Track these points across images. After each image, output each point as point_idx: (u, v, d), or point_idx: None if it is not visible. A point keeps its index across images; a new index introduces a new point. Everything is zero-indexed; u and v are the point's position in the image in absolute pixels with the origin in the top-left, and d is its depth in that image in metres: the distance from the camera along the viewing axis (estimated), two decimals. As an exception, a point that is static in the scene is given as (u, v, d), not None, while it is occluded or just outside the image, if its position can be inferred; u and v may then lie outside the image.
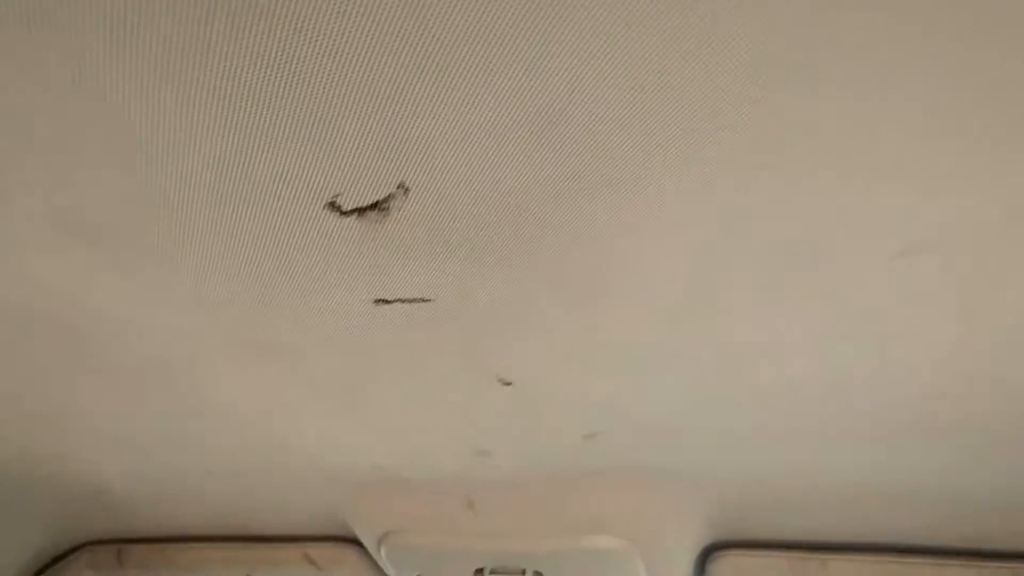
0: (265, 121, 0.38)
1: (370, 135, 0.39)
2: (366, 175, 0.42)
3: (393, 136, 0.39)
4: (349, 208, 0.44)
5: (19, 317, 0.61)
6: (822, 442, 0.78)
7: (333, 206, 0.44)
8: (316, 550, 1.21)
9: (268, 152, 0.40)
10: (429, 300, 0.54)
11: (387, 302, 0.54)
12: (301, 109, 0.37)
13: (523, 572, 1.06)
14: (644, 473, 0.89)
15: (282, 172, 0.42)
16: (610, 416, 0.74)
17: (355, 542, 1.18)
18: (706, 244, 0.48)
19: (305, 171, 0.41)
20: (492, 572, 1.07)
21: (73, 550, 1.31)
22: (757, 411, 0.72)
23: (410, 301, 0.54)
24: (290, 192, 0.43)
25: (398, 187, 0.42)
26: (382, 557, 1.11)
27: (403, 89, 0.36)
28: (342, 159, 0.41)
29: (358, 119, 0.38)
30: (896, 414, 0.70)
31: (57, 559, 1.31)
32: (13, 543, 1.23)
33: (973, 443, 0.74)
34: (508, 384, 0.68)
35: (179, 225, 0.47)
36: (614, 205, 0.44)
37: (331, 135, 0.39)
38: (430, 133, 0.38)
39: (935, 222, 0.44)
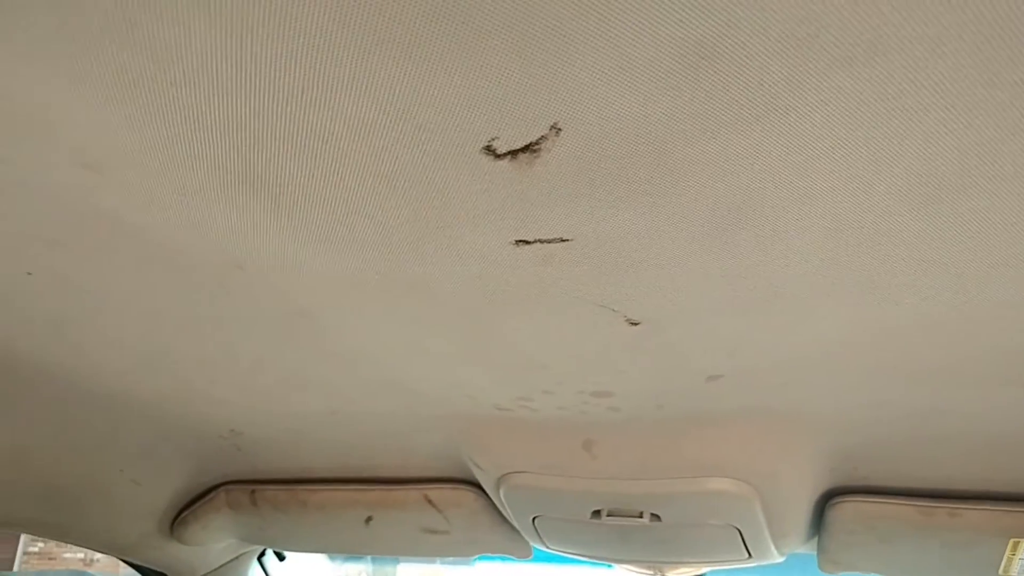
0: (429, 67, 0.40)
1: (528, 78, 0.40)
2: (523, 118, 0.43)
3: (550, 77, 0.39)
4: (503, 151, 0.45)
5: (177, 261, 0.65)
6: (955, 383, 0.75)
7: (489, 150, 0.45)
8: (436, 492, 1.27)
9: (430, 97, 0.42)
10: (567, 240, 0.55)
11: (527, 243, 0.55)
12: (464, 53, 0.39)
13: (640, 514, 1.08)
14: (766, 415, 0.88)
15: (444, 118, 0.43)
16: (735, 357, 0.74)
17: (474, 484, 1.22)
18: (851, 176, 0.47)
19: (466, 116, 0.43)
20: (609, 514, 1.09)
21: (212, 489, 1.41)
22: (890, 350, 0.70)
23: (549, 242, 0.55)
24: (450, 137, 0.45)
25: (551, 128, 0.43)
26: (500, 499, 1.14)
27: (560, 29, 0.37)
28: (501, 103, 0.42)
29: (517, 62, 0.39)
30: None
31: (198, 498, 1.42)
32: (157, 483, 1.34)
33: None
34: (635, 324, 0.68)
35: (339, 169, 0.49)
36: (760, 138, 0.44)
37: (490, 80, 0.40)
38: (586, 72, 0.39)
39: None
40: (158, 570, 1.57)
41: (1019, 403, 0.78)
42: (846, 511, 1.07)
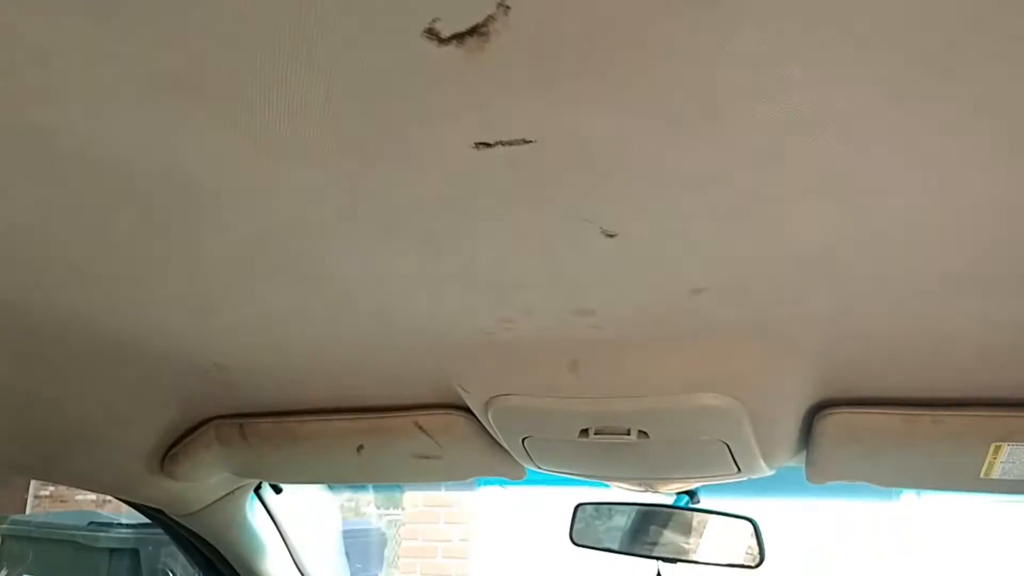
0: None
1: None
2: None
3: None
4: (448, 35, 0.41)
5: (127, 183, 0.62)
6: (942, 290, 0.74)
7: (431, 33, 0.41)
8: (426, 419, 1.26)
9: None
10: (531, 141, 0.51)
11: (488, 145, 0.52)
12: None
13: (628, 432, 1.07)
14: (752, 329, 0.87)
15: None
16: (718, 269, 0.72)
17: (464, 409, 1.21)
18: (831, 62, 0.43)
19: None
20: (597, 432, 1.09)
21: (202, 424, 1.41)
22: (875, 257, 0.68)
23: (511, 143, 0.51)
24: (388, 20, 0.41)
25: (498, 6, 0.39)
26: (489, 422, 1.14)
27: None
28: None
29: None
30: (1017, 255, 0.65)
31: (187, 434, 1.41)
32: (143, 421, 1.33)
33: None
34: (612, 236, 0.66)
35: (271, 64, 0.45)
36: (730, 15, 0.40)
37: None
38: None
39: None
40: (154, 507, 1.58)
41: (1004, 310, 0.77)
42: (833, 423, 1.07)
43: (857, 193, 0.58)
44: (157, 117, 0.52)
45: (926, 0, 0.39)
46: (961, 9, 0.39)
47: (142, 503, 1.57)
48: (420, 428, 1.27)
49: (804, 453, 1.19)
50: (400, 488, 5.89)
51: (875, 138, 0.51)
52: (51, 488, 8.61)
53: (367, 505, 6.53)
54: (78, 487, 1.57)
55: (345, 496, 6.11)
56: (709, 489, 1.51)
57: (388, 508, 6.47)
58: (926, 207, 0.60)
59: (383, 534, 6.15)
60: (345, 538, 5.06)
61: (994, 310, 0.77)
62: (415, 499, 6.09)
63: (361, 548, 5.35)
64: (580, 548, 1.66)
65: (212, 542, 1.72)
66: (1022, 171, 0.53)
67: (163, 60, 0.46)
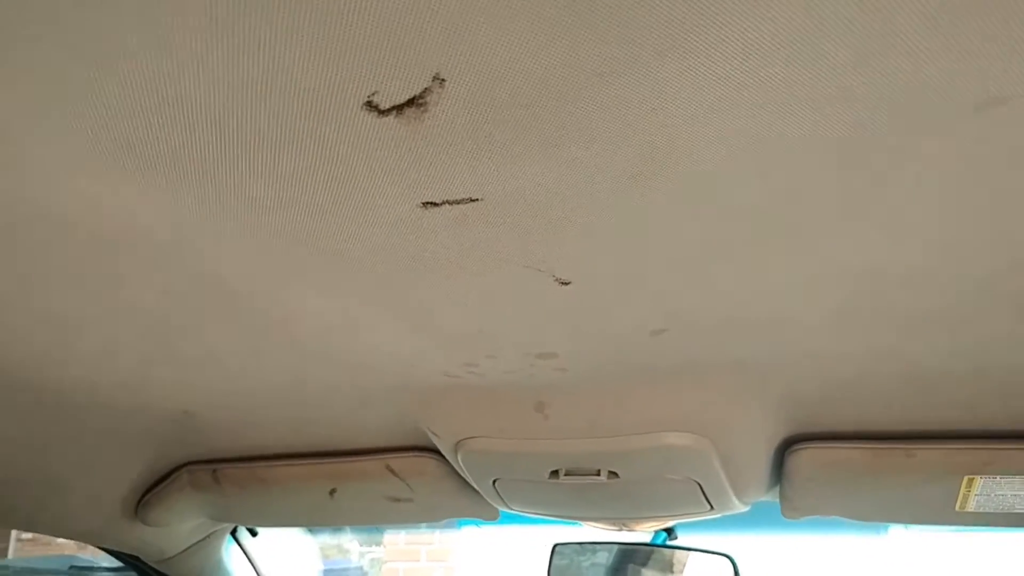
0: (294, 23, 0.37)
1: (399, 27, 0.37)
2: (401, 69, 0.40)
3: (421, 25, 0.37)
4: (387, 106, 0.43)
5: (80, 239, 0.63)
6: (904, 327, 0.75)
7: (371, 105, 0.43)
8: (397, 461, 1.26)
9: (301, 54, 0.40)
10: (477, 200, 0.53)
11: (435, 204, 0.53)
12: (326, 5, 0.36)
13: (598, 472, 1.08)
14: (716, 368, 0.88)
15: (317, 73, 0.41)
16: (676, 312, 0.73)
17: (435, 451, 1.21)
18: (769, 116, 0.45)
19: (338, 72, 0.41)
20: (567, 473, 1.09)
21: (175, 470, 1.40)
22: (829, 301, 0.69)
23: (458, 202, 0.53)
24: (327, 94, 0.42)
25: (434, 79, 0.41)
26: (459, 464, 1.14)
27: None
28: (372, 56, 0.39)
29: (384, 11, 0.36)
30: (982, 291, 0.66)
31: (160, 480, 1.41)
32: (116, 469, 1.32)
33: None
34: (566, 284, 0.67)
35: (220, 138, 0.47)
36: (663, 78, 0.42)
37: (356, 31, 0.38)
38: (459, 18, 0.37)
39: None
40: (130, 553, 1.57)
41: (967, 345, 0.78)
42: (803, 458, 1.07)
43: (805, 243, 0.59)
44: (108, 180, 0.54)
45: (849, 61, 0.41)
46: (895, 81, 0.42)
47: (118, 549, 1.55)
48: (391, 471, 1.27)
49: (778, 488, 1.19)
50: (381, 529, 5.81)
51: (819, 190, 0.52)
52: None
53: (350, 543, 6.43)
54: (54, 535, 1.55)
55: (327, 535, 6.03)
56: (690, 525, 1.50)
57: (371, 546, 6.38)
58: (873, 255, 0.61)
59: (365, 573, 6.05)
60: (329, 577, 4.98)
61: (961, 345, 0.78)
62: (396, 537, 6.00)
63: (344, 587, 5.25)
64: (558, 588, 1.65)
65: (189, 587, 1.70)
66: (985, 207, 0.54)
67: (111, 130, 0.48)
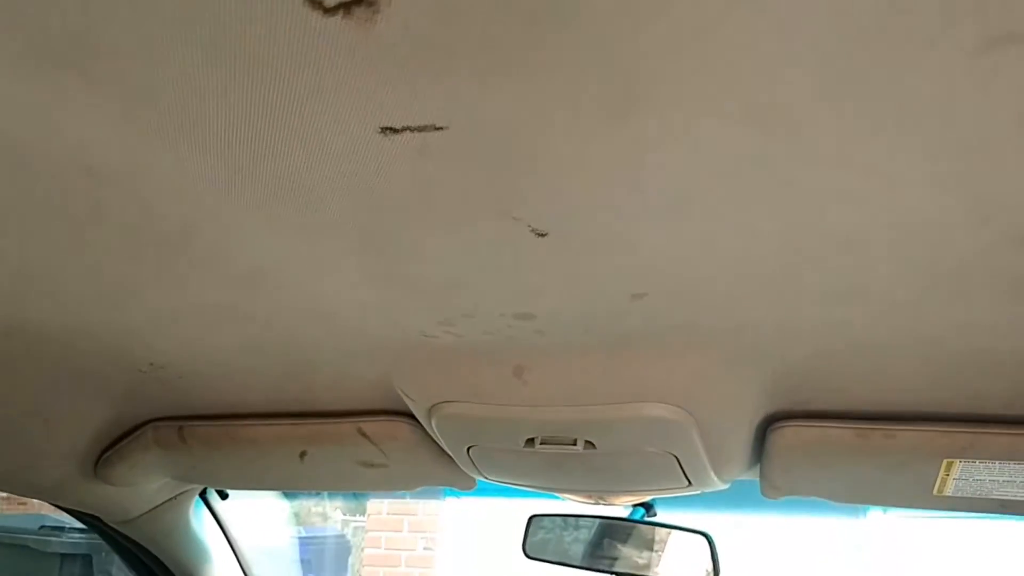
0: None
1: None
2: None
3: None
4: (333, 3, 0.38)
5: (22, 163, 0.58)
6: (890, 301, 0.71)
7: (313, 2, 0.38)
8: (370, 425, 1.22)
9: None
10: (441, 128, 0.48)
11: (395, 131, 0.48)
12: None
13: (574, 442, 1.04)
14: (698, 337, 0.84)
15: None
16: (657, 272, 0.69)
17: (410, 416, 1.17)
18: (759, 53, 0.40)
19: None
20: (543, 442, 1.05)
21: (139, 426, 1.35)
22: (820, 267, 0.66)
23: (420, 129, 0.48)
24: None
25: None
26: (433, 430, 1.10)
27: None
28: None
29: None
30: (971, 266, 0.63)
31: (122, 436, 1.36)
32: (73, 421, 1.27)
33: None
34: (543, 235, 0.62)
35: (153, 35, 0.41)
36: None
37: None
38: None
39: None
40: (90, 512, 1.52)
41: (953, 325, 0.75)
42: (785, 436, 1.04)
43: (795, 199, 0.55)
44: (53, 98, 0.48)
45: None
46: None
47: (77, 508, 1.51)
48: (364, 435, 1.22)
49: (758, 467, 1.16)
50: (366, 494, 5.82)
51: (812, 140, 0.48)
52: (10, 489, 8.40)
53: (333, 511, 6.44)
54: (6, 491, 1.51)
55: (312, 501, 6.03)
56: (669, 502, 1.48)
57: (355, 515, 6.39)
58: (867, 217, 0.57)
59: (347, 541, 6.06)
60: (308, 545, 4.98)
61: (943, 326, 0.75)
62: (379, 506, 6.01)
63: (323, 555, 5.26)
64: (533, 561, 1.62)
65: (153, 550, 1.66)
66: (966, 179, 0.51)
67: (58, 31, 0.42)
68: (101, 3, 0.40)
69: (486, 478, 1.27)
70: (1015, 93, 0.42)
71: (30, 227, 0.69)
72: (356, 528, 6.29)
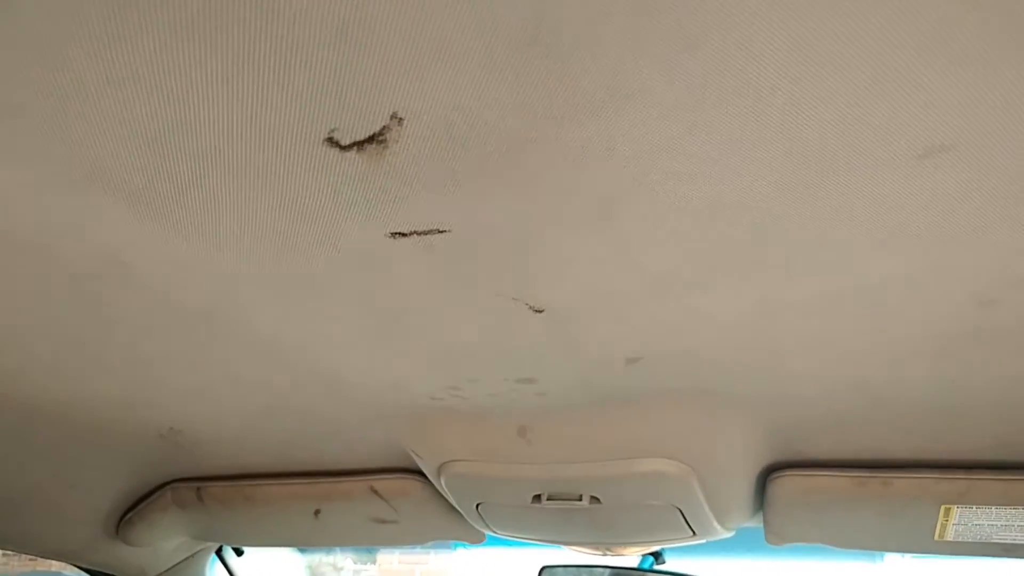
0: (249, 60, 0.38)
1: (354, 70, 0.38)
2: (357, 109, 0.41)
3: (376, 67, 0.38)
4: (347, 143, 0.44)
5: (59, 263, 0.63)
6: (877, 357, 0.75)
7: (332, 141, 0.44)
8: (382, 483, 1.26)
9: (266, 97, 0.40)
10: (445, 231, 0.53)
11: (403, 235, 0.54)
12: (286, 52, 0.37)
13: (580, 497, 1.07)
14: (694, 395, 0.88)
15: (281, 114, 0.42)
16: (649, 340, 0.73)
17: (419, 473, 1.21)
18: (719, 159, 0.46)
19: (298, 109, 0.41)
20: (549, 498, 1.09)
21: (157, 488, 1.39)
22: (798, 329, 0.70)
23: (425, 233, 0.53)
24: (289, 130, 0.43)
25: (392, 118, 0.42)
26: (443, 487, 1.14)
27: (366, 21, 0.35)
28: (330, 95, 0.40)
29: (340, 55, 0.37)
30: (949, 324, 0.67)
31: (143, 498, 1.40)
32: (98, 486, 1.31)
33: None
34: (540, 312, 0.67)
35: (195, 168, 0.47)
36: (613, 123, 0.43)
37: (313, 72, 0.38)
38: (410, 61, 0.38)
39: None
40: (109, 573, 1.55)
41: (941, 376, 0.78)
42: (785, 485, 1.07)
43: (767, 272, 0.60)
44: (84, 207, 0.54)
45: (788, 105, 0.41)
46: (828, 113, 0.42)
47: (96, 568, 1.54)
48: (375, 492, 1.26)
49: (761, 515, 1.19)
50: (373, 550, 5.77)
51: (776, 223, 0.53)
52: (20, 546, 8.33)
53: (343, 561, 6.38)
54: (29, 553, 1.54)
55: (321, 552, 5.98)
56: (678, 549, 1.49)
57: (364, 564, 6.33)
58: (838, 284, 0.61)
59: (359, 592, 6.00)
60: (320, 597, 4.93)
61: (937, 375, 0.79)
62: (390, 556, 5.95)
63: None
64: (544, 612, 1.63)
65: (171, 608, 1.68)
66: (962, 236, 0.54)
67: (88, 157, 0.48)
68: (146, 145, 0.46)
69: (495, 533, 1.30)
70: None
71: (57, 312, 0.74)
72: (367, 578, 6.23)
